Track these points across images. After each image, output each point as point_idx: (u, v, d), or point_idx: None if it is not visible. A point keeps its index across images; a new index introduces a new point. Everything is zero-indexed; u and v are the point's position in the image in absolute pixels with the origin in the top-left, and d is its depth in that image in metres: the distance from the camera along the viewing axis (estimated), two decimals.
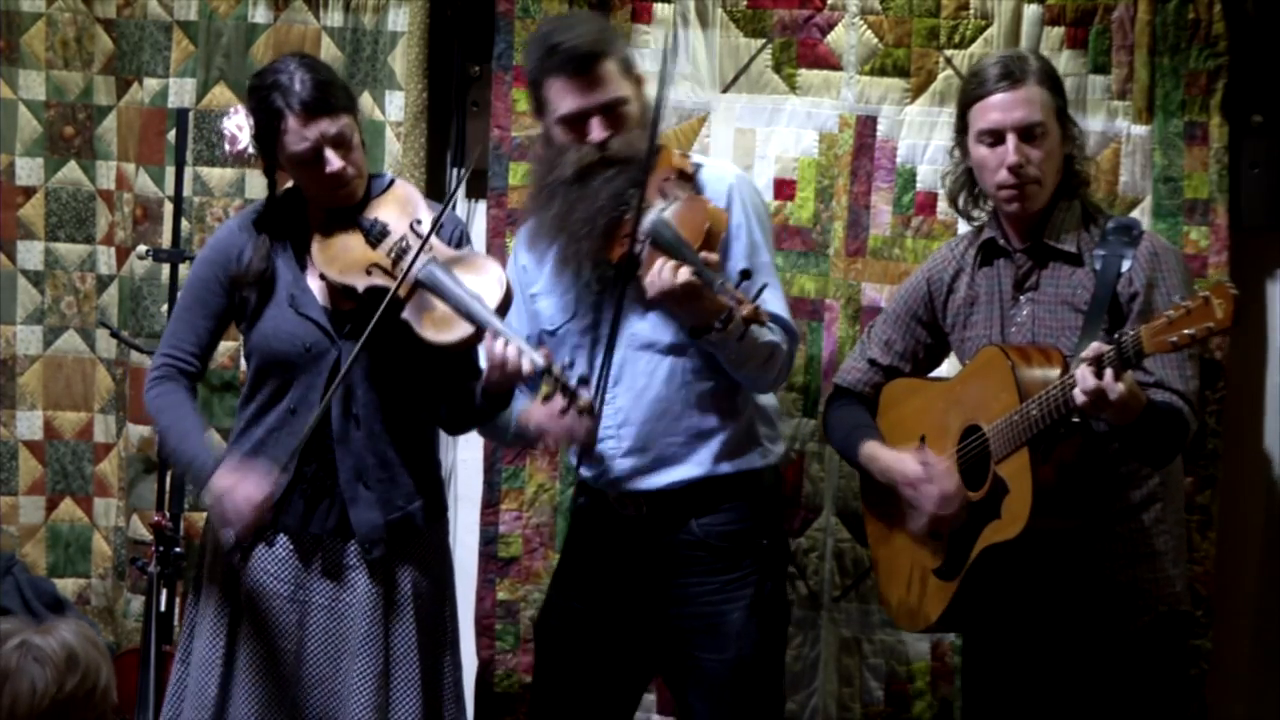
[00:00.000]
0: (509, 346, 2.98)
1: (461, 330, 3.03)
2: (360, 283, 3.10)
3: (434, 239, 3.11)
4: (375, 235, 3.13)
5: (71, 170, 4.17)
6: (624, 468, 3.21)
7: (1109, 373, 2.74)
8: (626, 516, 3.23)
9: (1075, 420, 2.89)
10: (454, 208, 3.44)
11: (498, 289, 3.06)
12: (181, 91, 4.02)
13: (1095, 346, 2.78)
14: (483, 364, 3.07)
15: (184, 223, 3.96)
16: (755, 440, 3.23)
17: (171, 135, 3.98)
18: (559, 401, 2.94)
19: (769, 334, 3.09)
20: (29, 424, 4.20)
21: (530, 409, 3.13)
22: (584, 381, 2.96)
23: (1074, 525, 2.98)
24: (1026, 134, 3.06)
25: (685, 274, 2.93)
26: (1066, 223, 3.11)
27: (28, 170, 4.16)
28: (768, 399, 3.28)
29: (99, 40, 4.13)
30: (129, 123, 4.10)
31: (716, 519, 3.19)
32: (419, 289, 3.06)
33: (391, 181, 3.24)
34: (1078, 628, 3.07)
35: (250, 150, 3.24)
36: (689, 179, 3.09)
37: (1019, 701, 3.14)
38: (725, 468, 3.19)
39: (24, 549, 4.19)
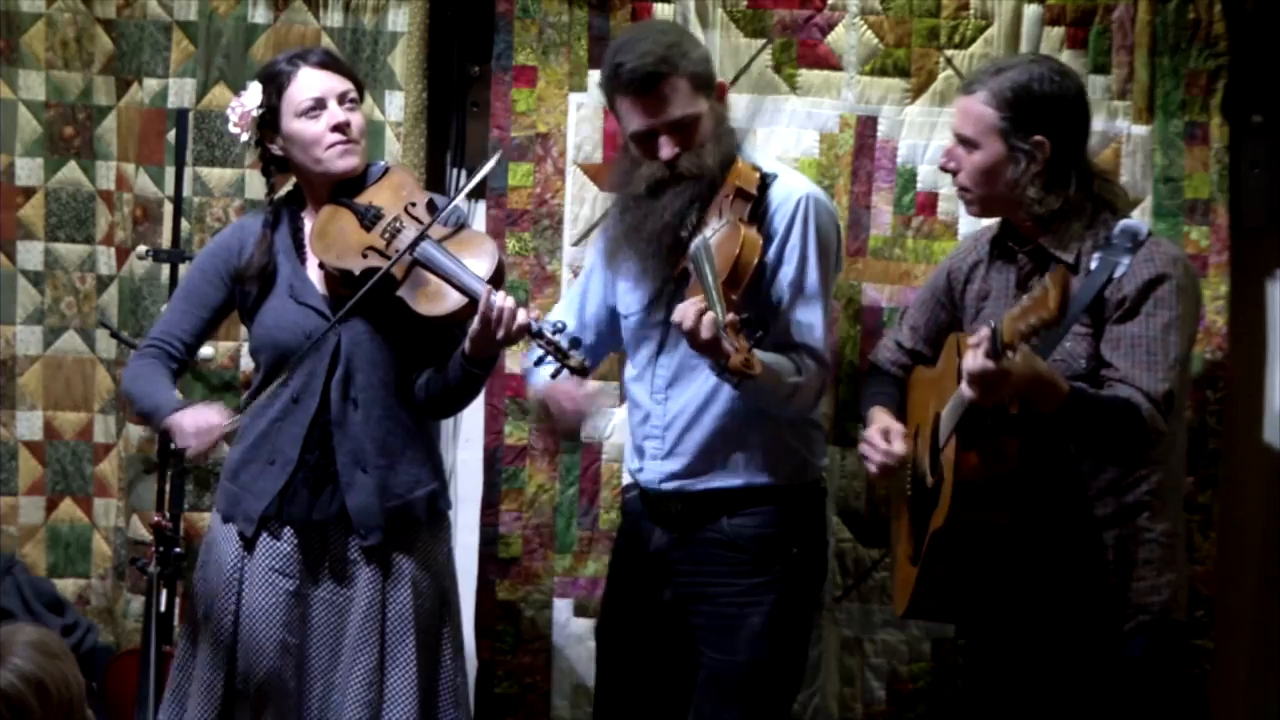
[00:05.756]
0: (504, 302, 2.99)
1: (453, 301, 3.06)
2: (356, 265, 3.13)
3: (428, 219, 3.14)
4: (369, 218, 3.17)
5: (71, 170, 4.16)
6: (664, 469, 3.23)
7: (978, 353, 2.74)
8: (662, 512, 3.26)
9: (1012, 412, 2.88)
10: (466, 200, 3.49)
11: (490, 260, 3.10)
12: (181, 92, 4.01)
13: (983, 331, 2.77)
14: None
15: (184, 223, 3.95)
16: (797, 455, 3.23)
17: (171, 135, 3.97)
18: (550, 365, 2.96)
19: (791, 375, 3.10)
20: (29, 424, 4.19)
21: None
22: (575, 344, 2.97)
23: (1006, 520, 2.94)
24: (960, 141, 3.08)
25: (693, 313, 2.91)
26: (1072, 229, 3.03)
27: (28, 170, 4.16)
28: (815, 415, 3.30)
29: (99, 40, 4.12)
30: (129, 123, 4.09)
31: (748, 521, 3.20)
32: (414, 266, 3.09)
33: (387, 169, 3.28)
34: (1064, 632, 3.05)
35: (254, 115, 3.24)
36: (749, 197, 3.07)
37: (1016, 704, 3.13)
38: (764, 479, 3.20)
39: (24, 549, 4.18)
